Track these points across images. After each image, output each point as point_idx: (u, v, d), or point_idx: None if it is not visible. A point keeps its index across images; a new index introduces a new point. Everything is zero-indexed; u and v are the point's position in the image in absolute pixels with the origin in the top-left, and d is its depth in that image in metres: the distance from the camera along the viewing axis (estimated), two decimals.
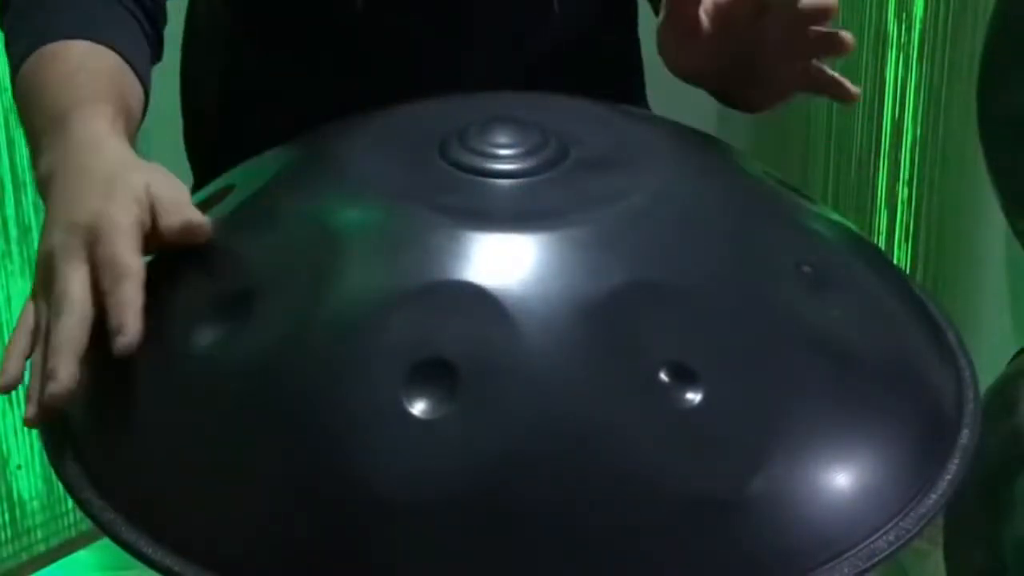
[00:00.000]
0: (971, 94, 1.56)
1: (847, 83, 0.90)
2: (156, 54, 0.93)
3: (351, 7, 0.98)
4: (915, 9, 1.98)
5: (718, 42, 0.88)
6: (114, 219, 0.73)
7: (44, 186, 0.79)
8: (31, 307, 0.74)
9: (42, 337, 0.72)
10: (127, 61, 0.86)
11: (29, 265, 1.90)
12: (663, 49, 0.90)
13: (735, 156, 0.85)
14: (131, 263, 0.72)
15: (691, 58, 0.90)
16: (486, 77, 0.90)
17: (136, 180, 0.75)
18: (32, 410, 0.70)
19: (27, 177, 1.87)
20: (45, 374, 0.70)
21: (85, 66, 0.85)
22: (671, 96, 1.13)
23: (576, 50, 1.06)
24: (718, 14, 0.87)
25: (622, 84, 1.14)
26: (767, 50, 0.88)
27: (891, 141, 2.02)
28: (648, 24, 1.10)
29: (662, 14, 0.89)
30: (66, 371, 0.69)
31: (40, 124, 0.82)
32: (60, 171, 0.78)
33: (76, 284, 0.72)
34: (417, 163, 0.78)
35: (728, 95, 0.96)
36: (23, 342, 0.73)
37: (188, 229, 0.75)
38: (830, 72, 0.90)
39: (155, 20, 0.93)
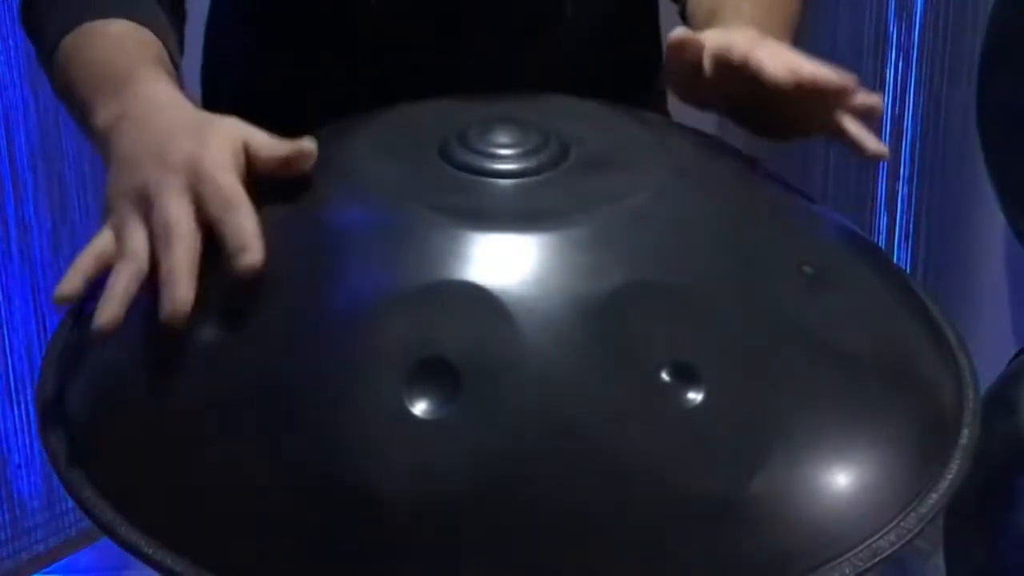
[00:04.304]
0: (971, 94, 1.56)
1: (870, 140, 0.84)
2: (180, 50, 0.94)
3: (364, 6, 0.98)
4: (915, 10, 1.98)
5: (724, 88, 0.84)
6: (214, 158, 0.74)
7: (106, 134, 0.79)
8: (107, 235, 0.74)
9: (129, 257, 0.72)
10: (164, 45, 0.88)
11: (29, 265, 1.90)
12: (670, 84, 0.88)
13: (736, 156, 0.85)
14: (240, 194, 0.73)
15: (698, 97, 0.87)
16: (497, 76, 0.90)
17: (224, 124, 0.77)
18: (107, 324, 0.70)
19: (27, 177, 1.87)
20: (161, 298, 0.70)
21: (133, 38, 0.86)
22: (670, 96, 1.13)
23: (593, 55, 1.05)
24: (719, 64, 0.83)
25: (644, 85, 1.12)
26: (779, 101, 0.83)
27: (891, 141, 2.02)
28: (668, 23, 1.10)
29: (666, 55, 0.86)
30: (188, 289, 0.70)
31: (93, 84, 0.83)
32: (131, 118, 0.78)
33: (184, 215, 0.72)
34: (418, 163, 0.78)
35: (745, 125, 0.90)
36: (89, 264, 0.73)
37: (295, 154, 0.76)
38: (854, 128, 0.84)
39: (182, 19, 0.96)
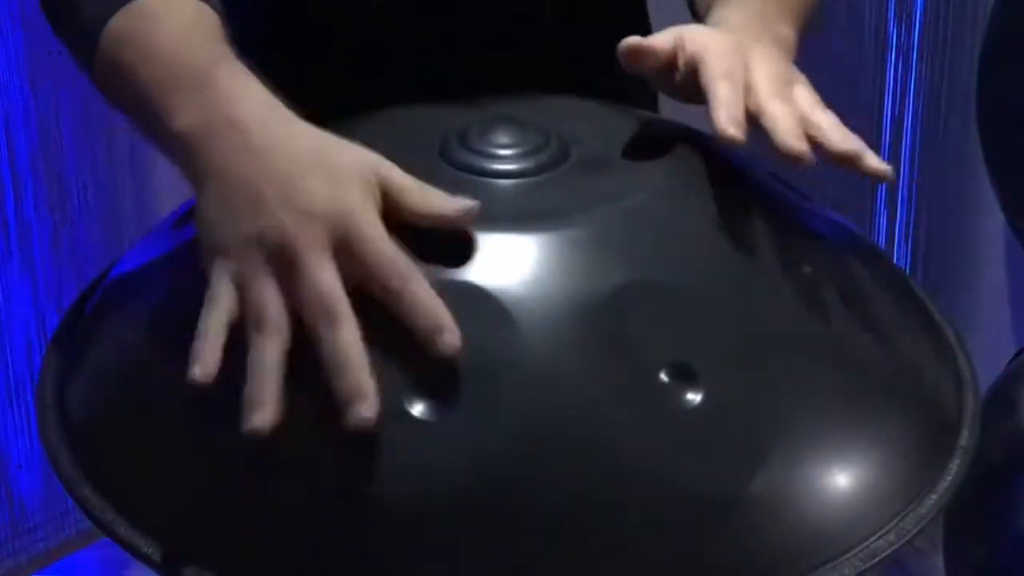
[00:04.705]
0: (971, 94, 1.56)
1: (869, 159, 0.75)
2: None
3: (364, 6, 0.98)
4: (915, 10, 1.98)
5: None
6: (363, 211, 0.66)
7: (193, 143, 0.69)
8: (230, 292, 0.66)
9: (271, 330, 0.64)
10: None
11: (29, 265, 1.90)
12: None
13: (735, 156, 0.84)
14: (404, 259, 0.65)
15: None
16: (496, 76, 0.89)
17: (354, 157, 0.68)
18: (265, 421, 0.62)
19: (27, 177, 1.87)
20: (343, 392, 0.62)
21: (199, 20, 0.76)
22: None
23: (579, 46, 1.05)
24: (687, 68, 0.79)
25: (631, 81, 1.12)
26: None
27: (891, 141, 2.02)
28: (659, 17, 1.09)
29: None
30: (372, 387, 0.62)
31: (162, 81, 0.72)
32: (226, 129, 0.69)
33: (339, 286, 0.64)
34: (418, 163, 0.78)
35: None
36: (221, 332, 0.65)
37: (462, 215, 0.68)
38: (847, 149, 0.76)
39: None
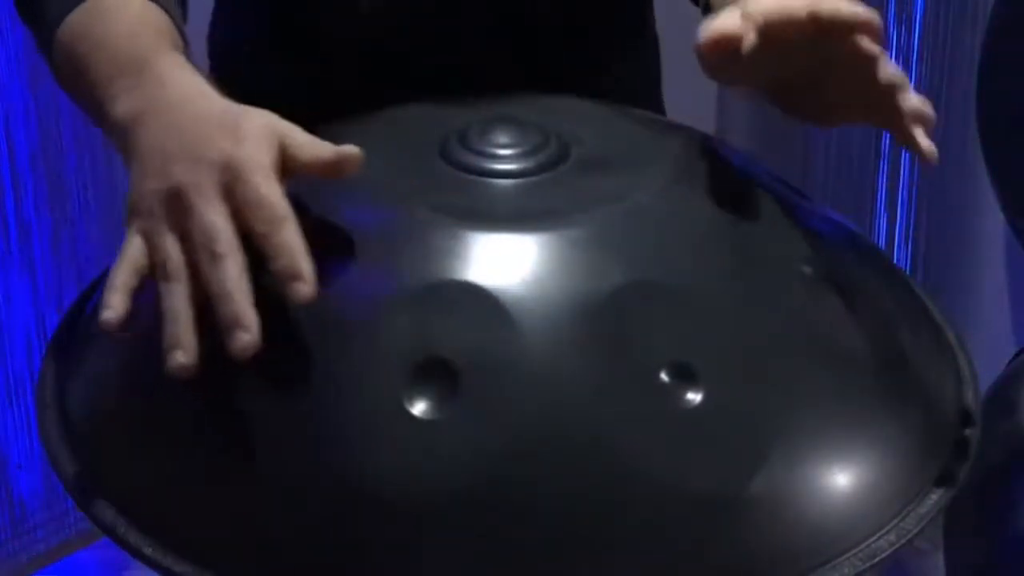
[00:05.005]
0: (971, 94, 1.56)
1: (922, 138, 0.75)
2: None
3: (355, 12, 0.98)
4: (915, 10, 1.98)
5: (768, 61, 0.76)
6: (253, 158, 0.69)
7: (128, 126, 0.74)
8: (137, 243, 0.70)
9: (174, 275, 0.68)
10: (178, 30, 0.83)
11: (29, 265, 1.90)
12: (702, 61, 0.77)
13: (735, 156, 0.84)
14: (283, 204, 0.68)
15: (737, 73, 0.78)
16: (483, 71, 0.89)
17: (259, 119, 0.72)
18: (185, 358, 0.65)
19: (27, 177, 1.87)
20: (224, 321, 0.65)
21: (149, 19, 0.81)
22: (670, 95, 1.13)
23: (582, 34, 1.05)
24: (769, 32, 0.74)
25: (633, 69, 1.11)
26: (828, 79, 0.77)
27: (891, 141, 2.02)
28: (664, 9, 1.09)
29: (703, 23, 0.77)
30: (252, 317, 0.65)
31: (109, 69, 0.77)
32: (156, 110, 0.73)
33: (224, 223, 0.67)
34: (418, 163, 0.78)
35: (781, 107, 0.83)
36: (129, 279, 0.68)
37: (342, 159, 0.71)
38: (910, 121, 0.76)
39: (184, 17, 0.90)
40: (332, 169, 0.72)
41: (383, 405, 0.65)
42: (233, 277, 0.66)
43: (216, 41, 1.11)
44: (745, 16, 0.75)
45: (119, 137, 0.75)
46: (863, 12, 0.75)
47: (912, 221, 2.04)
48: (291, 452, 0.66)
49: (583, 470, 0.64)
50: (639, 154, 0.80)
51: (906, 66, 2.00)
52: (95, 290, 0.83)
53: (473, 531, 0.63)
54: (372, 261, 0.71)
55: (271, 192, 0.68)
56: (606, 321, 0.68)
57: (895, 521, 0.68)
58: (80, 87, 0.80)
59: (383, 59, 1.01)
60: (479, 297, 0.68)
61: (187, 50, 0.83)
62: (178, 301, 0.67)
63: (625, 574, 0.64)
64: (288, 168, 0.71)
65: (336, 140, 0.81)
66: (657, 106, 1.12)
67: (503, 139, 0.78)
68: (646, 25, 1.11)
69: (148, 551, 0.66)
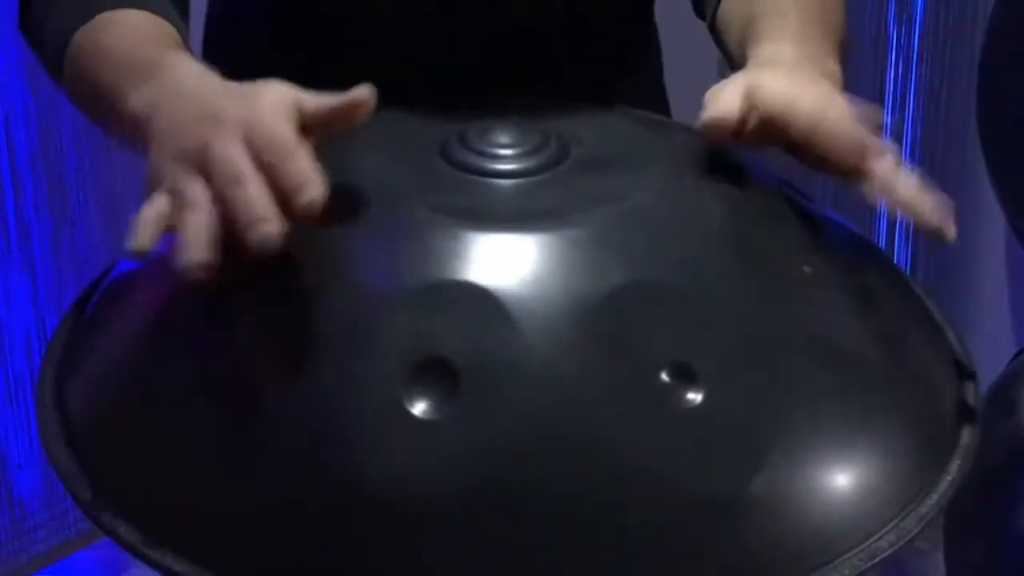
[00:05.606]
0: (971, 95, 1.56)
1: (927, 209, 0.76)
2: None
3: (363, 7, 0.98)
4: (915, 10, 1.98)
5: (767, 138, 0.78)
6: (268, 107, 0.71)
7: (142, 115, 0.75)
8: (162, 198, 0.70)
9: (199, 205, 0.68)
10: (180, 36, 0.86)
11: (29, 265, 1.90)
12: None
13: (735, 156, 0.84)
14: (297, 140, 0.69)
15: (734, 138, 0.79)
16: (497, 75, 0.89)
17: (275, 86, 0.73)
18: (202, 255, 0.66)
19: (27, 177, 1.87)
20: (247, 219, 0.66)
21: (153, 26, 0.84)
22: (671, 94, 1.13)
23: (585, 48, 1.05)
24: (767, 128, 0.77)
25: (634, 74, 1.11)
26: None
27: (891, 141, 2.02)
28: (665, 10, 1.09)
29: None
30: (275, 215, 0.66)
31: (120, 70, 0.79)
32: (170, 96, 0.75)
33: (246, 160, 0.69)
34: (418, 163, 0.78)
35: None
36: (154, 219, 0.69)
37: (352, 102, 0.72)
38: (905, 190, 0.77)
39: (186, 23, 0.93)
40: (342, 116, 0.72)
41: (383, 405, 0.65)
42: (257, 194, 0.67)
43: (212, 41, 1.11)
44: (749, 103, 0.77)
45: (131, 129, 0.76)
46: (857, 141, 0.77)
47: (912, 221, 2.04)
48: (291, 452, 0.66)
49: (583, 470, 0.64)
50: (639, 154, 0.80)
51: (906, 66, 2.00)
52: (95, 290, 0.83)
53: (473, 531, 0.63)
54: (372, 260, 0.71)
55: (283, 130, 0.70)
56: (606, 321, 0.68)
57: (895, 521, 0.68)
58: (90, 96, 0.82)
59: (384, 59, 1.01)
60: (479, 297, 0.68)
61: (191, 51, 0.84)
62: (199, 221, 0.67)
63: (625, 574, 0.63)
64: (306, 129, 0.72)
65: (335, 140, 0.81)
66: (661, 107, 1.12)
67: (503, 139, 0.78)
68: (648, 28, 1.11)
69: (148, 551, 0.66)
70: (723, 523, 0.65)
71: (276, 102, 0.72)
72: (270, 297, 0.71)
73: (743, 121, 0.77)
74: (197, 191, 0.69)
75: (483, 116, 0.80)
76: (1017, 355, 1.38)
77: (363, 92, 0.73)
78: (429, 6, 0.99)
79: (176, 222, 0.69)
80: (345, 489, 0.64)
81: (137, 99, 0.76)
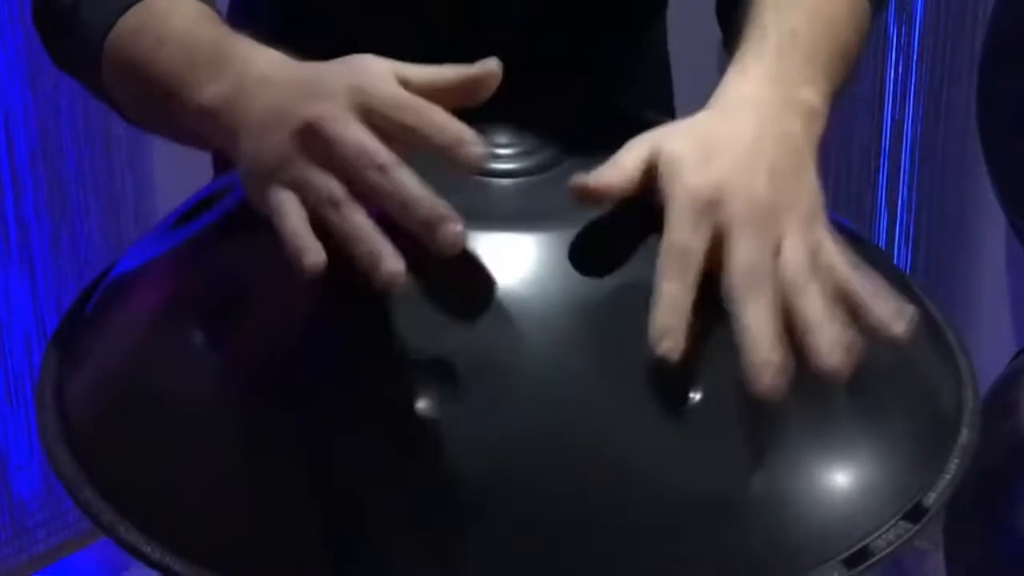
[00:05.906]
0: (971, 94, 1.56)
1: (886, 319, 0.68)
2: None
3: (365, 5, 0.98)
4: (915, 10, 1.98)
5: None
6: (377, 76, 0.67)
7: (222, 107, 0.71)
8: (289, 196, 0.66)
9: (342, 201, 0.65)
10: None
11: (29, 265, 1.90)
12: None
13: None
14: (424, 101, 0.66)
15: None
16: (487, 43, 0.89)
17: (370, 56, 0.69)
18: (397, 264, 0.63)
19: (27, 177, 1.87)
20: (425, 221, 0.64)
21: (202, 12, 0.79)
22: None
23: (588, 52, 1.05)
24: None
25: (639, 80, 1.11)
26: None
27: (891, 141, 2.02)
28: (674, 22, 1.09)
29: None
30: (450, 210, 0.64)
31: (178, 62, 0.75)
32: (249, 83, 0.71)
33: (373, 139, 0.65)
34: (417, 162, 0.78)
35: None
36: (304, 222, 0.65)
37: (476, 77, 0.69)
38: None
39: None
40: (465, 89, 0.69)
41: (383, 404, 0.65)
42: (411, 182, 0.64)
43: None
44: (649, 167, 0.71)
45: (209, 121, 0.73)
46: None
47: (912, 222, 2.04)
48: (291, 451, 0.66)
49: (582, 471, 0.64)
50: None
51: (906, 66, 2.01)
52: (95, 290, 0.83)
53: (472, 531, 0.63)
54: None
55: (400, 92, 0.66)
56: (606, 320, 0.68)
57: (895, 520, 0.68)
58: (144, 88, 0.78)
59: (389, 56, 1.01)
60: (479, 297, 0.68)
61: None
62: (360, 218, 0.64)
63: (624, 574, 0.63)
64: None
65: None
66: (665, 109, 1.12)
67: (502, 139, 0.78)
68: (652, 32, 1.11)
69: (148, 551, 0.66)
70: (723, 523, 0.65)
71: (382, 69, 0.68)
72: (270, 296, 0.71)
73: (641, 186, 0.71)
74: (332, 184, 0.65)
75: (482, 116, 0.80)
76: (1017, 355, 1.38)
77: (491, 65, 0.69)
78: (430, 8, 0.99)
79: (327, 223, 0.65)
80: (345, 489, 0.64)
81: (210, 91, 0.72)
